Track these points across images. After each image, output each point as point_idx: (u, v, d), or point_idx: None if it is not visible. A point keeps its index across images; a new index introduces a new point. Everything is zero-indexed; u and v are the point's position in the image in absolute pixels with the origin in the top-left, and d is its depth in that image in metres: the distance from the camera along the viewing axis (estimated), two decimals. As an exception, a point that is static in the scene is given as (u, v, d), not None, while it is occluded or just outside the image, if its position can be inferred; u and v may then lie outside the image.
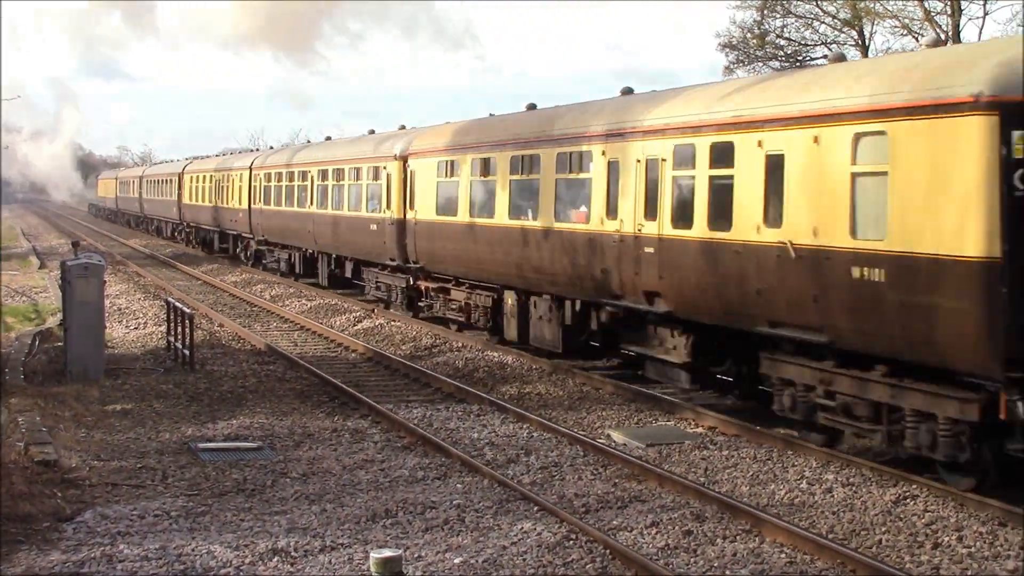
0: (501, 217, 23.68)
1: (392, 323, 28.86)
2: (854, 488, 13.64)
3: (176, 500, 13.49)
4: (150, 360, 23.58)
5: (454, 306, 26.93)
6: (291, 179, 40.35)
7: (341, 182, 34.82)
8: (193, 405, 19.16)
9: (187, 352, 22.77)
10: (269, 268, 44.17)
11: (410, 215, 28.54)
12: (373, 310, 31.17)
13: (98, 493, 13.76)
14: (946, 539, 11.73)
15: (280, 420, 17.86)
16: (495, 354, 23.75)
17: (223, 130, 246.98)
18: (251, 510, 13.09)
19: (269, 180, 43.21)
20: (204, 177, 55.78)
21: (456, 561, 11.26)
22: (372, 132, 37.38)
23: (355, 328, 28.72)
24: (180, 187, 62.08)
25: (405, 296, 30.02)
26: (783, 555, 11.34)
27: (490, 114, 27.91)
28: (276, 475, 14.63)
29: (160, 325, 27.82)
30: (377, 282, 32.04)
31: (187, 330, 22.91)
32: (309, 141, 37.22)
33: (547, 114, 23.58)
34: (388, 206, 30.12)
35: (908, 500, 13.09)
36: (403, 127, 33.64)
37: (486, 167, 24.56)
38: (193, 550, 11.46)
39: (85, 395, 19.40)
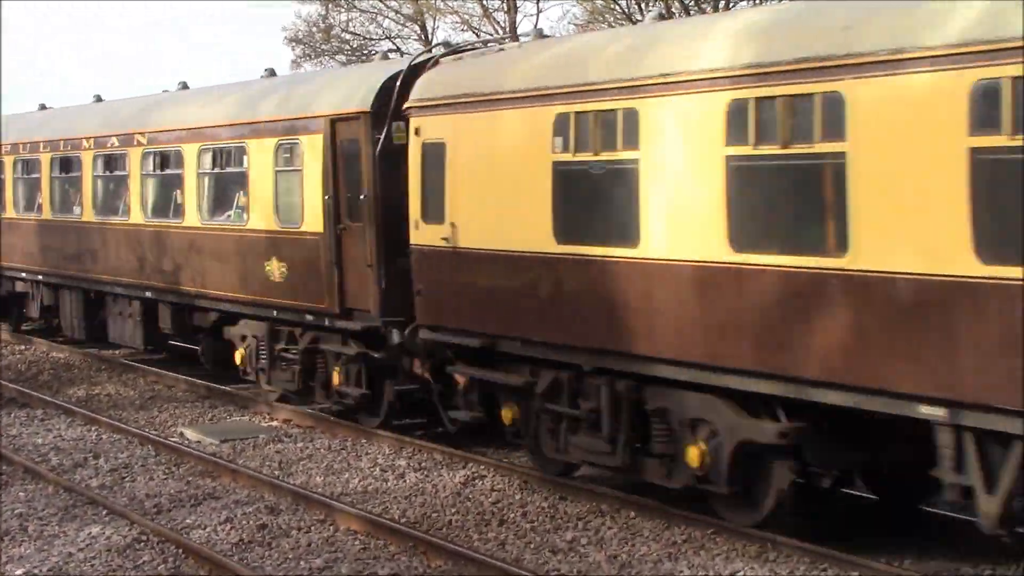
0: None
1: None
2: (426, 472, 13.99)
3: None
4: None
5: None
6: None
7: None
8: None
9: None
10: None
11: None
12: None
13: None
14: (511, 515, 12.22)
15: None
16: (60, 355, 22.90)
17: None
18: None
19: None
20: None
21: (18, 573, 10.82)
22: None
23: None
24: None
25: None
26: (357, 542, 11.51)
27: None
28: None
29: None
30: None
31: None
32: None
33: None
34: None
35: (476, 480, 13.55)
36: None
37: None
38: None
39: None
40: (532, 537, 11.54)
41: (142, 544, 11.58)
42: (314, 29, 49.88)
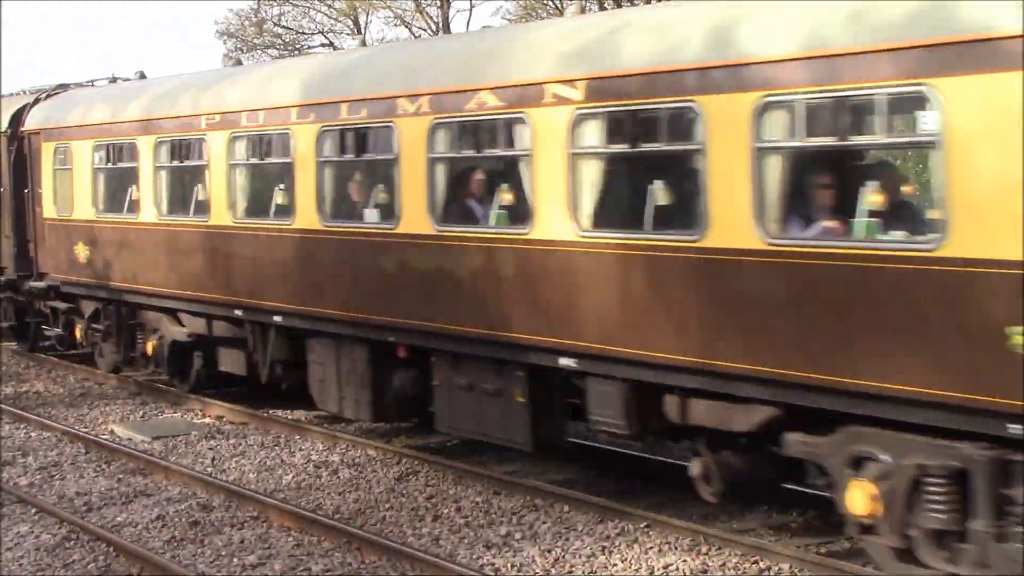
0: None
1: None
2: (359, 468, 13.96)
3: None
4: None
5: None
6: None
7: None
8: None
9: None
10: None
11: None
12: None
13: None
14: (445, 511, 12.22)
15: None
16: (-12, 353, 22.67)
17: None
18: None
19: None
20: None
21: (-53, 572, 10.69)
22: None
23: None
24: None
25: None
26: (291, 538, 11.46)
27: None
28: None
29: None
30: None
31: None
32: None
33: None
34: None
35: (411, 476, 13.54)
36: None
37: None
38: None
39: None
40: (466, 532, 11.55)
41: (72, 543, 11.48)
42: (246, 23, 49.58)
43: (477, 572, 10.24)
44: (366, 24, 48.15)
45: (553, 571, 10.46)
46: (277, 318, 15.23)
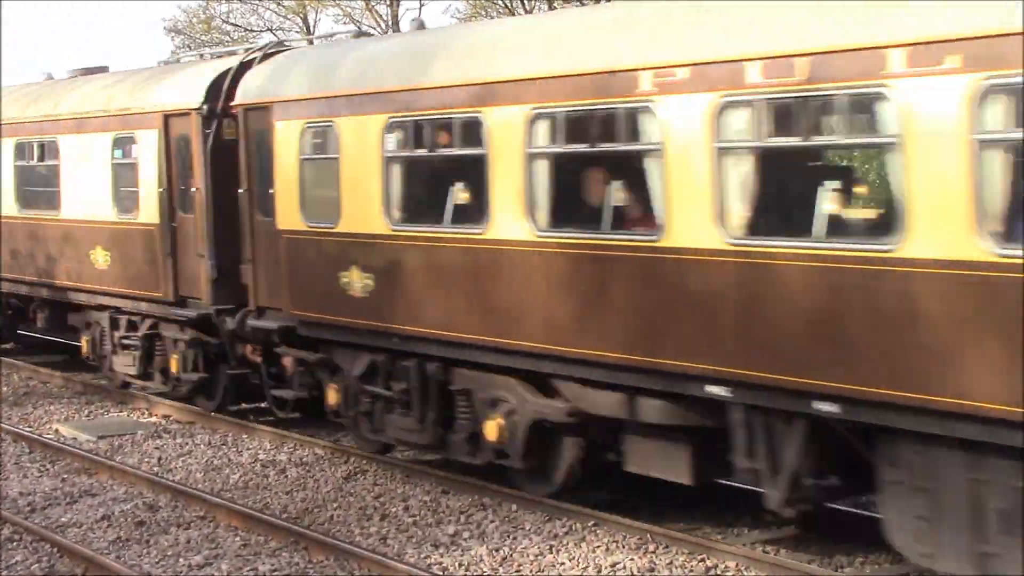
0: None
1: None
2: (307, 467, 13.91)
3: None
4: None
5: None
6: None
7: None
8: None
9: None
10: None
11: None
12: None
13: None
14: (393, 510, 12.20)
15: None
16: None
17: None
18: None
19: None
20: None
21: None
22: None
23: None
24: None
25: None
26: (238, 538, 11.41)
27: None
28: None
29: None
30: None
31: None
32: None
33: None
34: None
35: (359, 475, 13.50)
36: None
37: None
38: None
39: None
40: (414, 531, 11.53)
41: (15, 543, 11.39)
42: (194, 20, 49.26)
43: (425, 571, 10.23)
44: (315, 22, 47.99)
45: (501, 570, 10.47)
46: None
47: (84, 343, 18.84)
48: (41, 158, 19.45)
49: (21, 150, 19.96)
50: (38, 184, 19.72)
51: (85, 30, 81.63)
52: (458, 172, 12.21)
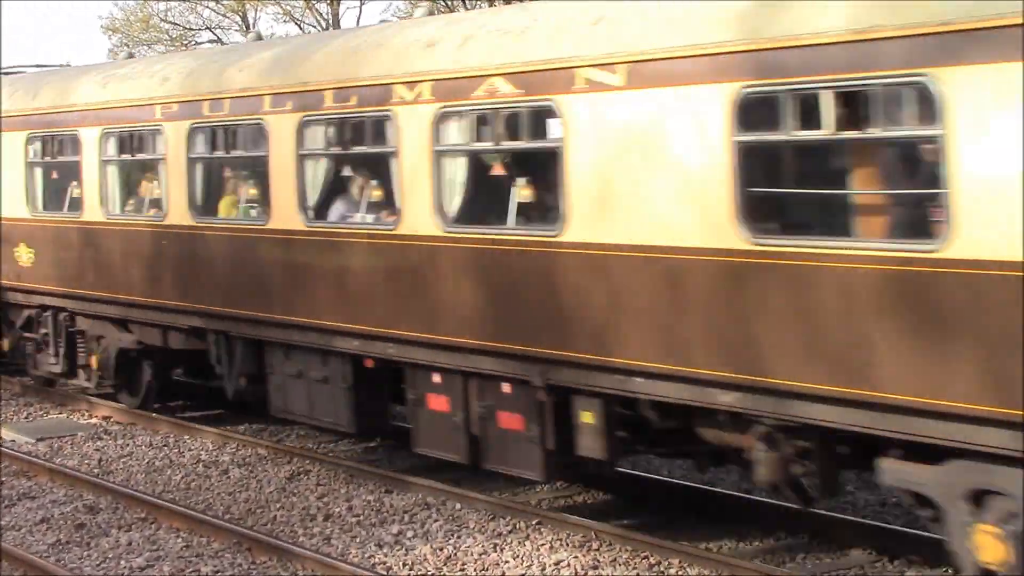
0: None
1: None
2: (250, 468, 13.86)
3: None
4: None
5: None
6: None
7: None
8: None
9: None
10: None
11: None
12: None
13: None
14: (337, 510, 12.18)
15: None
16: None
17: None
18: None
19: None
20: None
21: None
22: None
23: None
24: None
25: None
26: (179, 539, 11.35)
27: None
28: None
29: None
30: None
31: None
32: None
33: None
34: None
35: (302, 476, 13.46)
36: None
37: None
38: None
39: None
40: (358, 531, 11.52)
41: (-47, 547, 11.26)
42: (132, 18, 48.90)
43: (369, 571, 10.23)
44: (255, 20, 47.76)
45: (445, 569, 10.47)
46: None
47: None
48: None
49: None
50: None
51: (85, 30, 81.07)
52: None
